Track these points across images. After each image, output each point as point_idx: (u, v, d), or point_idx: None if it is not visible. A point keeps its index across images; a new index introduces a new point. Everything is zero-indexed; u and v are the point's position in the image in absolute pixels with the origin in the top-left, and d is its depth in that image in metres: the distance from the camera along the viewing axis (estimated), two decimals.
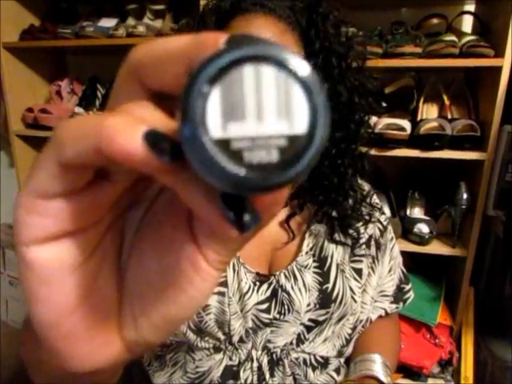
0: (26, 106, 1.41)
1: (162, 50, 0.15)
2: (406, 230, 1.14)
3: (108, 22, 1.30)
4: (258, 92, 0.12)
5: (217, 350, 0.60)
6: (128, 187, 0.18)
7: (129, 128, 0.13)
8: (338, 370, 0.64)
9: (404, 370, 1.07)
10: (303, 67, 0.12)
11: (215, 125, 0.12)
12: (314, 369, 0.61)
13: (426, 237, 1.09)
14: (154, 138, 0.13)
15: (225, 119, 0.12)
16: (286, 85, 0.12)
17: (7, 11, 1.34)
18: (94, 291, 0.18)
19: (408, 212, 1.19)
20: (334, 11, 0.59)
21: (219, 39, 0.13)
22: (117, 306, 0.19)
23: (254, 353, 0.60)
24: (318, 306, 0.59)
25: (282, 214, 0.63)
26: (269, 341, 0.59)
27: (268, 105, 0.12)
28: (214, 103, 0.12)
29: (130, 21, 1.32)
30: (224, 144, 0.12)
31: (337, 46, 0.58)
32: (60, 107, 1.44)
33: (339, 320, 0.61)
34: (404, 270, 0.73)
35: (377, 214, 0.68)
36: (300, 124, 0.12)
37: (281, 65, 0.12)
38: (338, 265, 0.61)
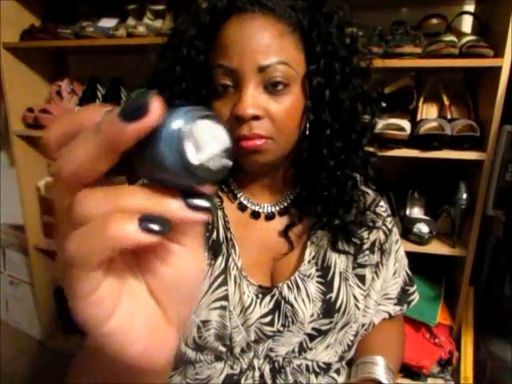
0: (26, 105, 1.41)
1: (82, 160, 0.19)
2: (405, 230, 1.14)
3: (108, 22, 1.30)
4: (204, 133, 0.20)
5: (218, 358, 0.59)
6: None
7: (126, 224, 0.18)
8: (338, 371, 0.63)
9: (404, 369, 1.07)
10: (213, 113, 0.21)
11: (192, 155, 0.19)
12: (316, 375, 0.60)
13: (426, 237, 1.09)
14: (147, 222, 0.19)
15: (196, 151, 0.19)
16: (212, 125, 0.20)
17: (7, 11, 1.34)
18: (134, 298, 0.22)
19: (408, 212, 1.19)
20: (338, 11, 0.54)
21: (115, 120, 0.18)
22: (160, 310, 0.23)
23: (255, 362, 0.58)
24: (321, 316, 0.57)
25: (282, 223, 0.61)
26: (271, 349, 0.58)
27: (209, 139, 0.20)
28: (189, 144, 0.19)
29: (130, 21, 1.32)
30: (200, 166, 0.19)
31: (340, 49, 0.53)
32: (60, 107, 1.44)
33: (342, 328, 0.60)
34: (409, 272, 0.70)
35: (381, 220, 0.65)
36: (223, 143, 0.21)
37: (210, 118, 0.20)
38: (341, 273, 0.59)
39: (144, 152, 0.19)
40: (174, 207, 0.20)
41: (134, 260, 0.23)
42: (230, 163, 0.21)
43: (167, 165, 0.18)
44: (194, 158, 0.19)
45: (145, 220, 0.18)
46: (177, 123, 0.18)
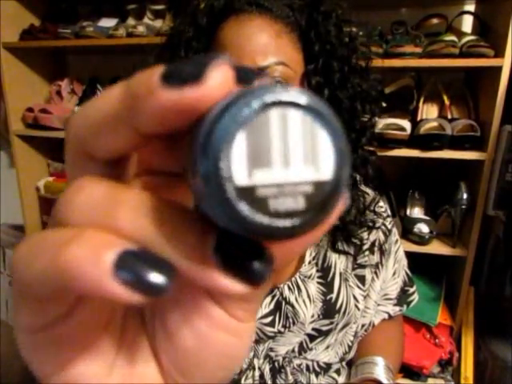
0: (26, 105, 1.41)
1: (96, 115, 0.13)
2: (405, 230, 1.14)
3: (108, 22, 1.30)
4: (285, 137, 0.11)
5: None
6: None
7: (92, 262, 0.11)
8: (338, 371, 0.63)
9: (404, 369, 1.07)
10: (326, 110, 0.12)
11: (241, 172, 0.11)
12: (316, 374, 0.60)
13: (426, 237, 1.09)
14: (129, 269, 0.11)
15: (251, 166, 0.11)
16: (312, 129, 0.12)
17: (7, 11, 1.33)
18: (135, 371, 0.16)
19: (408, 212, 1.19)
20: (337, 9, 0.54)
21: (152, 80, 0.11)
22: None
23: (255, 361, 0.59)
24: (321, 317, 0.57)
25: None
26: (271, 349, 0.59)
27: (294, 150, 0.12)
28: (238, 149, 0.11)
29: (130, 21, 1.32)
30: (248, 192, 0.11)
31: (339, 48, 0.53)
32: (60, 107, 1.44)
33: (342, 328, 0.60)
34: (408, 273, 0.71)
35: (381, 219, 0.65)
36: (326, 169, 0.12)
37: (306, 109, 0.12)
38: (341, 274, 0.59)
39: (189, 149, 0.12)
40: (190, 257, 0.12)
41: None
42: (328, 215, 0.12)
43: (199, 178, 0.11)
44: (244, 175, 0.11)
45: (130, 260, 0.11)
46: (234, 106, 0.11)
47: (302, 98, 0.12)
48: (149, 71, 0.12)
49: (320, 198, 0.12)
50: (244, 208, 0.11)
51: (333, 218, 0.13)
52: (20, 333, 0.14)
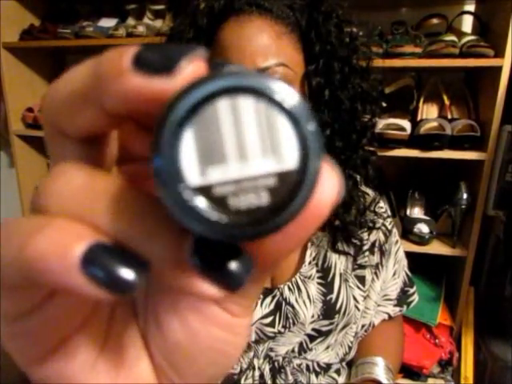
0: (25, 105, 1.41)
1: (64, 92, 0.12)
2: (405, 230, 1.14)
3: (108, 22, 1.30)
4: (238, 128, 0.10)
5: None
6: None
7: (59, 255, 0.10)
8: (338, 371, 0.63)
9: (404, 369, 1.07)
10: (285, 93, 0.11)
11: (192, 172, 0.10)
12: (316, 374, 0.60)
13: (426, 237, 1.09)
14: (98, 262, 0.10)
15: (203, 164, 0.10)
16: (268, 116, 0.11)
17: (7, 11, 1.33)
18: (124, 370, 0.15)
19: (408, 212, 1.19)
20: (337, 9, 0.54)
21: (122, 62, 0.11)
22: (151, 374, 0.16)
23: (255, 361, 0.58)
24: (321, 317, 0.57)
25: None
26: (271, 349, 0.59)
27: (250, 141, 0.10)
28: (188, 147, 0.10)
29: (130, 21, 1.32)
30: (205, 190, 0.10)
31: (339, 48, 0.53)
32: None
33: (342, 328, 0.60)
34: (408, 273, 0.71)
35: (381, 220, 0.65)
36: (289, 158, 0.11)
37: (259, 94, 0.10)
38: (341, 274, 0.59)
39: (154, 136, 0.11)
40: (165, 253, 0.11)
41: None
42: (290, 214, 0.11)
43: (156, 177, 0.10)
44: (196, 174, 0.10)
45: (99, 255, 0.11)
46: (180, 100, 0.10)
47: (254, 82, 0.10)
48: (120, 51, 0.11)
49: (286, 190, 0.11)
50: (202, 208, 0.10)
51: (321, 210, 0.11)
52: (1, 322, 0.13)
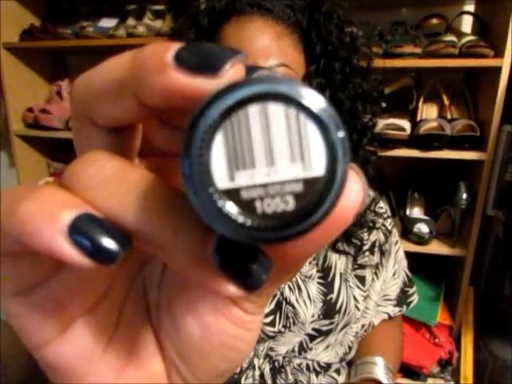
0: (26, 105, 1.41)
1: (100, 81, 0.13)
2: (405, 230, 1.14)
3: (108, 22, 1.30)
4: (267, 134, 0.11)
5: None
6: None
7: (47, 219, 0.11)
8: (338, 371, 0.63)
9: (403, 369, 1.07)
10: (315, 100, 0.11)
11: (221, 175, 0.11)
12: (317, 374, 0.61)
13: (426, 237, 1.09)
14: (84, 231, 0.11)
15: (232, 168, 0.11)
16: (298, 123, 0.11)
17: (7, 11, 1.33)
18: (133, 366, 0.16)
19: (408, 212, 1.19)
20: (338, 10, 0.54)
21: (165, 57, 0.11)
22: (162, 369, 0.17)
23: (255, 361, 0.59)
24: (321, 317, 0.58)
25: None
26: (271, 349, 0.59)
27: (279, 147, 0.11)
28: (218, 151, 0.11)
29: (130, 21, 1.32)
30: (232, 194, 0.11)
31: (340, 48, 0.53)
32: (60, 107, 1.44)
33: (342, 328, 0.60)
34: (408, 273, 0.71)
35: (381, 220, 0.65)
36: (317, 165, 0.11)
37: (289, 100, 0.11)
38: (341, 274, 0.60)
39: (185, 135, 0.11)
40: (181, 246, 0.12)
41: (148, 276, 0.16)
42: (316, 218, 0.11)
43: (185, 178, 0.11)
44: (225, 178, 0.11)
45: (86, 223, 0.11)
46: (212, 105, 0.10)
47: (285, 88, 0.11)
48: (163, 45, 0.11)
49: (313, 196, 0.11)
50: (228, 211, 0.11)
51: (344, 217, 0.12)
52: (6, 300, 0.13)
